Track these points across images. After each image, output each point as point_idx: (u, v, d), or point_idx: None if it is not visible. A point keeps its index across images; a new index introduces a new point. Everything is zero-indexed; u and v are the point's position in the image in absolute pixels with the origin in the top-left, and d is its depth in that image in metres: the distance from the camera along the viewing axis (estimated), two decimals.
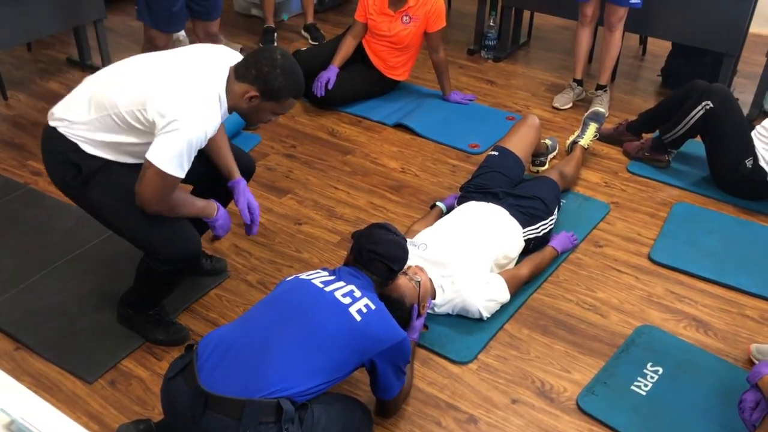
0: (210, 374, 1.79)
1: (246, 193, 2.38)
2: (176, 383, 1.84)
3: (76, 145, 2.09)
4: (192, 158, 1.97)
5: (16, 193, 3.14)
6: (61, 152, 2.11)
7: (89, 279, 2.62)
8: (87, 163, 2.09)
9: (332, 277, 2.01)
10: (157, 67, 2.07)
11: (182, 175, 1.97)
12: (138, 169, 2.01)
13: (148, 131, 1.99)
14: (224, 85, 2.03)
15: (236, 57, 2.12)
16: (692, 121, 3.17)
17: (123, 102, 2.01)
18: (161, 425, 1.99)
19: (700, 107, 3.13)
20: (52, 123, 2.14)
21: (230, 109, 2.07)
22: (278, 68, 1.99)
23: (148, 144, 1.96)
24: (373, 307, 1.94)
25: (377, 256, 2.07)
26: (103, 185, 2.11)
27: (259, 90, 2.01)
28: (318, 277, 2.01)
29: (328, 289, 1.95)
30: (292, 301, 1.95)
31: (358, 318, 1.89)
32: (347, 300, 1.92)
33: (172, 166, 1.93)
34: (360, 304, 1.92)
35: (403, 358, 2.01)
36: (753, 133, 3.13)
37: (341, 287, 1.96)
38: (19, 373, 2.28)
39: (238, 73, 2.03)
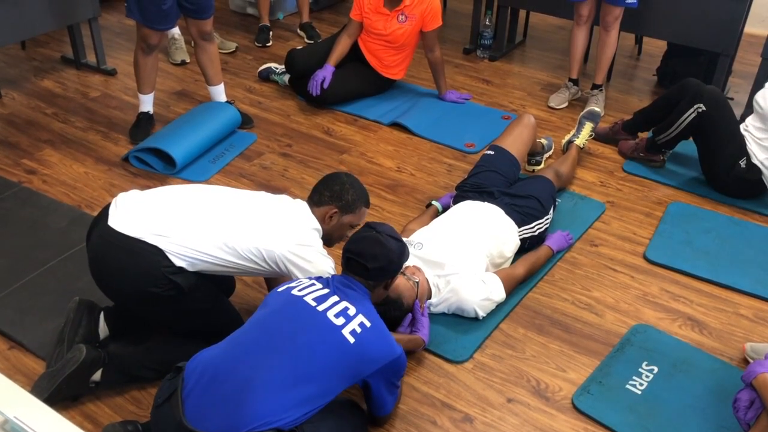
0: (194, 407, 1.76)
1: None
2: (163, 413, 1.82)
3: (172, 263, 2.06)
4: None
5: (10, 192, 3.13)
6: (158, 268, 2.05)
7: (84, 278, 2.60)
8: (187, 280, 2.09)
9: (326, 291, 1.94)
10: (262, 212, 2.19)
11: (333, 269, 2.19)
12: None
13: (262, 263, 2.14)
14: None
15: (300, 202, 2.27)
16: (684, 124, 3.17)
17: (242, 243, 2.10)
18: (149, 426, 1.98)
19: (692, 110, 3.13)
20: (148, 239, 2.07)
21: None
22: (347, 184, 2.25)
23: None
24: (368, 324, 1.89)
25: (348, 254, 2.02)
26: (198, 298, 2.15)
27: (337, 206, 2.22)
28: (311, 293, 1.93)
29: (320, 308, 1.88)
30: (282, 324, 1.87)
31: (352, 340, 1.84)
32: (340, 321, 1.86)
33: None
34: (354, 324, 1.86)
35: (397, 374, 1.99)
36: (741, 127, 3.13)
37: (335, 304, 1.89)
38: (12, 372, 2.27)
39: (313, 201, 2.25)
